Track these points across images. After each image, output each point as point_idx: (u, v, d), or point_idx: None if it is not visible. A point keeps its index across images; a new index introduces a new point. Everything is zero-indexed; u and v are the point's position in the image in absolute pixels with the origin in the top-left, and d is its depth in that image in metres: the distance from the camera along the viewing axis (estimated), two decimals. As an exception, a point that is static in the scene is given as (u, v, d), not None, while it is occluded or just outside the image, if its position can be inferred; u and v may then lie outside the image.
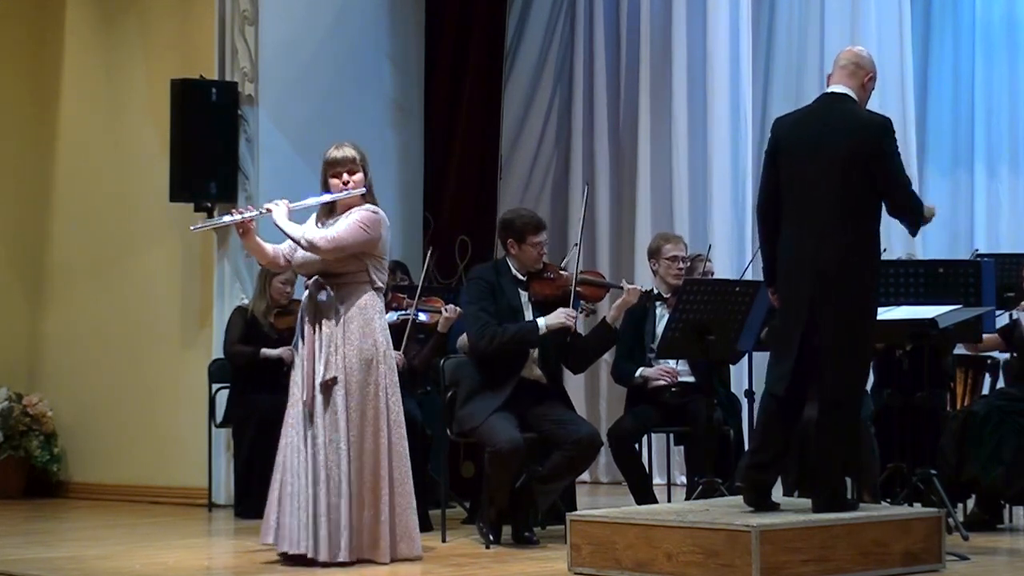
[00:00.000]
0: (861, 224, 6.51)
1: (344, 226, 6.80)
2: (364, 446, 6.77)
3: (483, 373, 7.49)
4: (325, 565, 6.68)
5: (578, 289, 7.58)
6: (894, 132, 6.60)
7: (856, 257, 6.48)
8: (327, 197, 6.92)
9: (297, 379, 6.89)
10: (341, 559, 6.69)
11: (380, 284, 6.91)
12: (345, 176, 6.88)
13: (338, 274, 6.85)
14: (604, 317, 7.91)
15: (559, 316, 7.43)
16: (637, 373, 8.27)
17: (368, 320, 6.83)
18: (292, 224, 6.83)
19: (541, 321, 7.43)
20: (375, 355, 6.82)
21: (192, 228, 7.32)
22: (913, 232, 6.88)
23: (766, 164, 6.77)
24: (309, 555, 6.68)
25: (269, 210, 6.87)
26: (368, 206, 6.89)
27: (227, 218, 6.99)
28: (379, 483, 6.77)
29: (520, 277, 7.61)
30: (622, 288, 7.76)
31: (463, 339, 7.86)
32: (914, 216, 6.68)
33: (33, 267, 10.92)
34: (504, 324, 7.43)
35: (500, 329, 7.41)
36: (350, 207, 6.88)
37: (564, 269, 7.76)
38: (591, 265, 10.55)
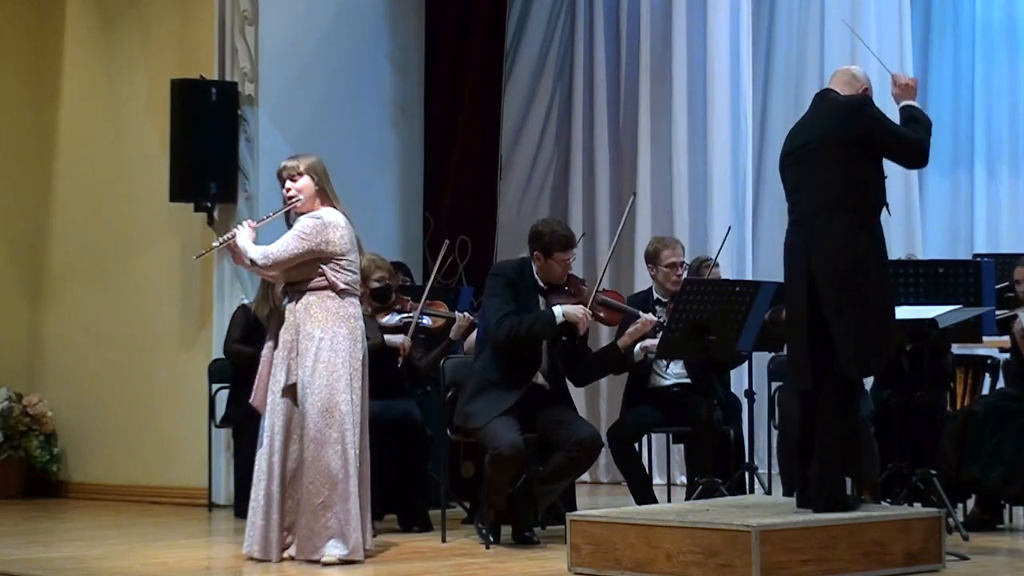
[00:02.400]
0: (848, 211, 6.56)
1: (281, 241, 6.95)
2: (321, 453, 6.81)
3: (494, 375, 7.49)
4: (331, 563, 6.76)
5: (596, 310, 7.60)
6: (869, 104, 6.69)
7: (847, 238, 6.53)
8: (279, 211, 7.10)
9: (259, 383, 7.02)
10: (289, 555, 6.83)
11: (343, 285, 6.95)
12: (288, 184, 7.03)
13: (296, 281, 6.97)
14: (615, 341, 7.91)
15: (576, 311, 7.45)
16: (636, 348, 8.10)
17: (329, 325, 6.89)
18: (250, 245, 6.98)
19: (558, 310, 7.44)
20: (340, 360, 6.87)
21: (194, 257, 7.40)
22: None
23: (782, 181, 6.90)
24: (258, 555, 6.84)
25: (235, 234, 7.03)
26: (313, 212, 6.98)
27: (215, 243, 7.21)
28: (344, 485, 6.81)
29: (541, 285, 7.61)
30: (638, 316, 7.76)
31: (470, 340, 7.84)
32: (926, 142, 6.72)
33: (33, 267, 10.92)
34: (519, 317, 7.43)
35: (517, 320, 7.42)
36: (306, 212, 6.99)
37: (585, 284, 7.75)
38: (593, 270, 10.54)
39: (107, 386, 10.43)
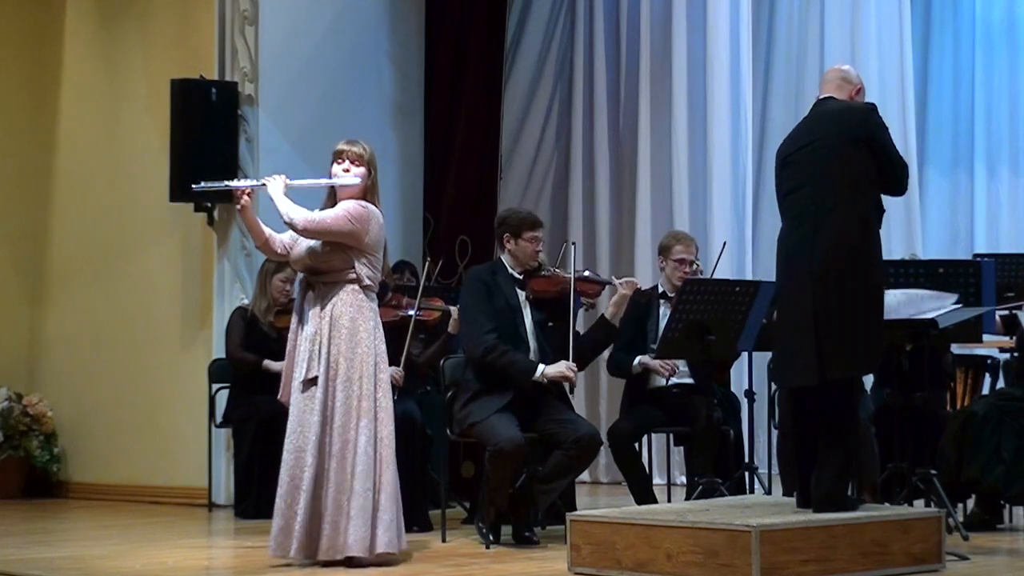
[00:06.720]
0: (855, 207, 6.56)
1: (330, 213, 6.86)
2: (347, 447, 6.75)
3: (484, 376, 7.48)
4: (327, 564, 6.71)
5: (578, 287, 7.59)
6: (878, 113, 6.71)
7: (855, 234, 6.54)
8: (324, 180, 6.98)
9: (285, 379, 6.95)
10: (322, 557, 6.70)
11: (369, 282, 6.89)
12: (347, 164, 6.95)
13: (324, 271, 6.88)
14: (602, 314, 7.92)
15: (560, 367, 7.43)
16: (636, 361, 8.22)
17: (356, 319, 6.83)
18: (284, 200, 6.85)
19: (541, 367, 7.42)
20: (363, 353, 6.81)
21: (194, 187, 7.20)
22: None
23: (775, 185, 6.88)
24: (274, 553, 6.73)
25: (265, 183, 6.91)
26: (362, 201, 6.92)
27: (230, 183, 6.99)
28: (371, 481, 6.73)
29: (516, 276, 7.62)
30: (613, 283, 7.80)
31: None
32: (902, 190, 6.84)
33: (33, 267, 10.93)
34: (508, 349, 7.41)
35: (501, 351, 7.39)
36: (349, 199, 6.91)
37: (559, 268, 7.77)
38: (591, 264, 10.56)
39: (107, 386, 10.44)
